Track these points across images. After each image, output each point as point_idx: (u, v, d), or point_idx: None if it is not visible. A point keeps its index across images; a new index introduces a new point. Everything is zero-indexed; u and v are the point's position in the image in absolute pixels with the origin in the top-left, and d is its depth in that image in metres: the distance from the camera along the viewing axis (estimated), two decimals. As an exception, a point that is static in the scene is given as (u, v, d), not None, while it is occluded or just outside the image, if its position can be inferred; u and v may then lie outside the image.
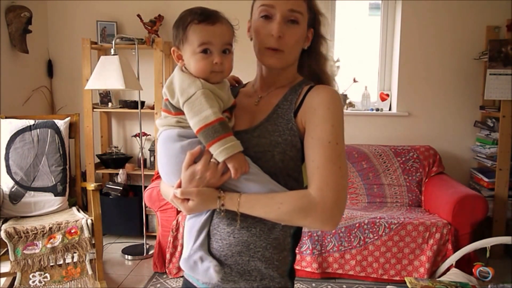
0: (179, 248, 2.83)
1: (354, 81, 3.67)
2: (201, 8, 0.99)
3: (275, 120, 1.00)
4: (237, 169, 0.93)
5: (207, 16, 0.97)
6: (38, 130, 2.85)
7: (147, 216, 3.48)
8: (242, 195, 0.94)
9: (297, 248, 1.09)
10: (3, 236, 2.37)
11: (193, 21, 0.97)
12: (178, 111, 0.99)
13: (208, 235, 1.01)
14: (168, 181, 1.04)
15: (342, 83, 3.69)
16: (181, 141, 0.98)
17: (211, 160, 0.95)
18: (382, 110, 3.69)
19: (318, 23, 1.09)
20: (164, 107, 1.03)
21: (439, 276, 2.64)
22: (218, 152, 0.93)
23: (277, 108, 1.02)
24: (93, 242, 2.57)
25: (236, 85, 1.18)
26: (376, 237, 2.77)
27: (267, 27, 1.00)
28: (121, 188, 3.51)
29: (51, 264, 2.47)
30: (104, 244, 3.13)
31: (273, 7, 0.99)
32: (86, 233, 2.53)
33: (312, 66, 1.11)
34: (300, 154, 0.99)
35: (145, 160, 3.61)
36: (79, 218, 2.61)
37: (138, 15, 3.48)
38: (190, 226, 1.04)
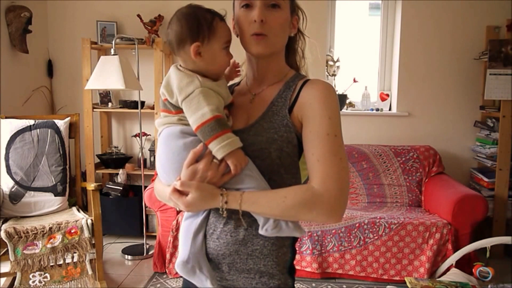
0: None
1: (354, 81, 3.66)
2: (200, 5, 1.01)
3: (270, 118, 1.00)
4: (236, 165, 0.93)
5: (221, 15, 1.01)
6: (38, 130, 2.85)
7: (147, 216, 3.48)
8: (244, 192, 0.93)
9: (297, 249, 1.08)
10: (3, 236, 2.37)
11: (215, 18, 0.99)
12: (179, 110, 0.99)
13: (204, 235, 1.00)
14: (167, 180, 1.01)
15: (342, 83, 3.69)
16: (184, 138, 0.97)
17: (213, 160, 0.94)
18: (382, 110, 3.69)
19: (297, 18, 1.08)
20: (163, 107, 1.02)
21: (439, 276, 2.64)
22: (216, 149, 0.93)
23: (272, 106, 1.02)
24: (93, 242, 2.57)
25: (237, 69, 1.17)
26: (376, 237, 2.77)
27: (249, 15, 0.99)
28: (121, 188, 3.51)
29: (51, 264, 2.47)
30: (104, 244, 3.13)
31: None
32: (86, 233, 2.53)
33: (289, 61, 1.11)
34: (297, 150, 0.99)
35: (145, 160, 3.61)
36: (79, 218, 2.61)
37: (138, 15, 3.48)
38: (186, 227, 1.03)
